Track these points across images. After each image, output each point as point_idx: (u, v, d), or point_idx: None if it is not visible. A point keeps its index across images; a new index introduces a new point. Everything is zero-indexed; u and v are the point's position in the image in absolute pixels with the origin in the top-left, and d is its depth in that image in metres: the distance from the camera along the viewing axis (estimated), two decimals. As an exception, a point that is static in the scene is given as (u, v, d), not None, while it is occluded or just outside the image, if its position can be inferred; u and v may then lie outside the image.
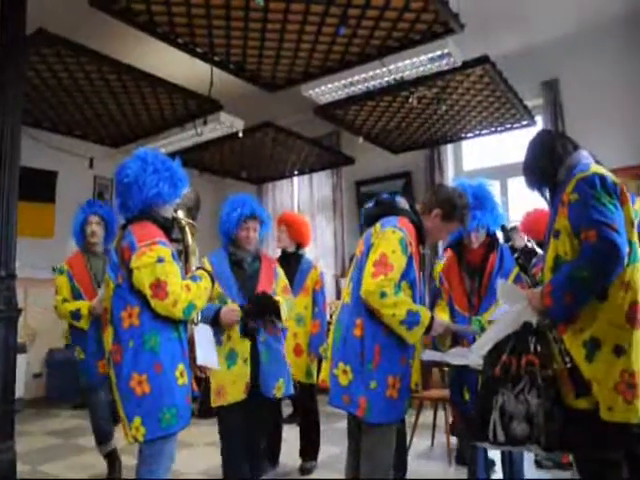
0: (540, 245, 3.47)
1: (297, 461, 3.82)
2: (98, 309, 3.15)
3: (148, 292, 2.11)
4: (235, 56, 4.22)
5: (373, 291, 2.24)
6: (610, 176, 1.97)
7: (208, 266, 2.80)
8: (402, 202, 2.52)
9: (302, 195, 8.10)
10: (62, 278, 3.49)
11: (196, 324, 2.42)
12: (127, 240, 2.19)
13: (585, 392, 1.87)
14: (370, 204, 2.64)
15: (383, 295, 2.23)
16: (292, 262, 3.79)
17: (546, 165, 2.12)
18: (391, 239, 2.30)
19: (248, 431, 2.91)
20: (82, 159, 6.82)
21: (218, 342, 2.73)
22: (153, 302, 2.11)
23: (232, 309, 2.82)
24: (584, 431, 1.91)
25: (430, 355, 2.55)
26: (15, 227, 3.13)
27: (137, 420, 2.11)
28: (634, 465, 2.09)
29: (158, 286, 2.10)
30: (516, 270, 2.72)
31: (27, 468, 3.82)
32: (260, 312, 2.85)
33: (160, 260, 2.13)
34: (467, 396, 2.64)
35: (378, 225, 2.43)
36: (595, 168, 2.01)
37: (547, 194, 2.19)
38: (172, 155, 6.52)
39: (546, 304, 1.92)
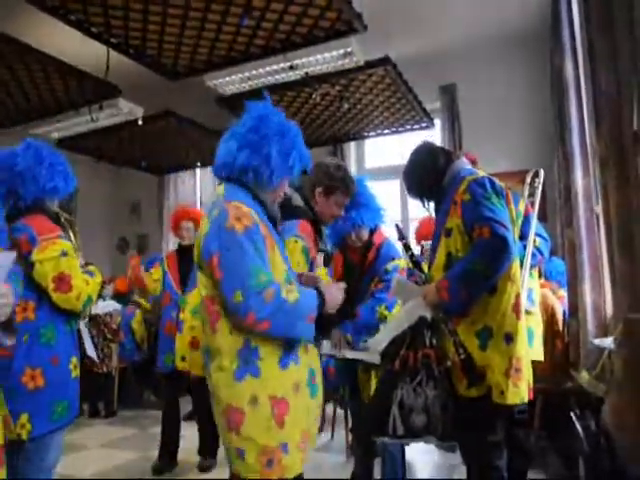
0: None
1: (196, 459, 3.76)
2: None
3: (50, 285, 2.12)
4: (134, 39, 4.04)
5: None
6: (496, 180, 2.13)
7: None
8: (297, 199, 2.44)
9: (205, 187, 7.94)
10: None
11: (85, 318, 2.40)
12: (23, 232, 2.14)
13: (477, 381, 2.00)
14: None
15: None
16: (189, 256, 3.75)
17: (430, 176, 2.25)
18: (294, 252, 2.20)
19: None
20: (-38, 141, 6.27)
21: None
22: (55, 295, 2.13)
23: (336, 285, 1.82)
24: (474, 417, 2.03)
25: (328, 349, 2.59)
26: None
27: (24, 417, 2.05)
28: (512, 445, 2.26)
29: (62, 279, 2.12)
30: (401, 263, 2.82)
31: None
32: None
33: (64, 254, 2.16)
34: (346, 394, 2.72)
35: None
36: (483, 172, 2.17)
37: (426, 202, 2.32)
38: (66, 140, 6.20)
39: (443, 298, 2.02)
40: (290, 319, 1.57)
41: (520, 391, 1.99)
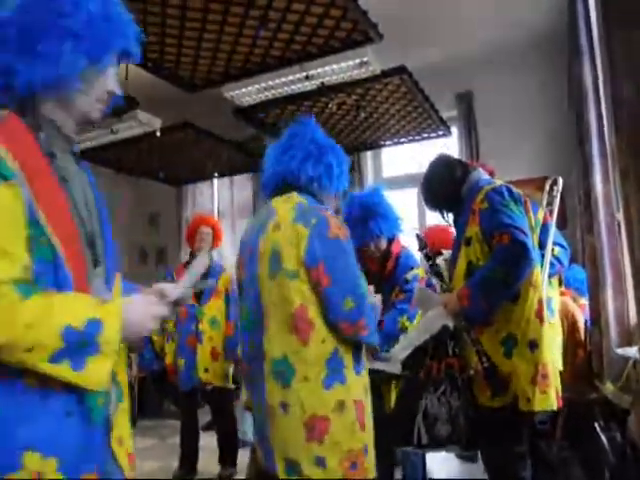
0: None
1: (216, 468, 3.75)
2: None
3: None
4: (152, 53, 4.10)
5: None
6: (513, 188, 2.12)
7: None
8: None
9: (222, 198, 8.00)
10: None
11: None
12: None
13: (501, 391, 1.97)
14: None
15: None
16: None
17: (447, 189, 2.28)
18: None
19: None
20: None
21: None
22: None
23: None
24: (498, 428, 2.01)
25: None
26: None
27: None
28: (536, 456, 2.23)
29: None
30: (420, 272, 2.80)
31: None
32: None
33: None
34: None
35: None
36: (500, 182, 2.16)
37: (445, 214, 2.32)
38: (86, 153, 6.30)
39: (464, 306, 2.01)
40: (374, 326, 1.67)
41: (548, 397, 1.97)
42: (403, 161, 7.00)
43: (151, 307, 1.14)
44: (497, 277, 1.92)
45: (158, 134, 5.44)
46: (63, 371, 0.97)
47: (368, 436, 1.66)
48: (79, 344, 0.98)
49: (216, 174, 7.49)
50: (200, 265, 1.27)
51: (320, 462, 1.58)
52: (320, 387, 1.59)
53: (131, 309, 1.09)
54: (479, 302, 1.96)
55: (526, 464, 2.04)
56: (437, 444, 2.02)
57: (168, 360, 3.77)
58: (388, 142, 6.41)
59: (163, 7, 3.49)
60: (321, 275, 1.58)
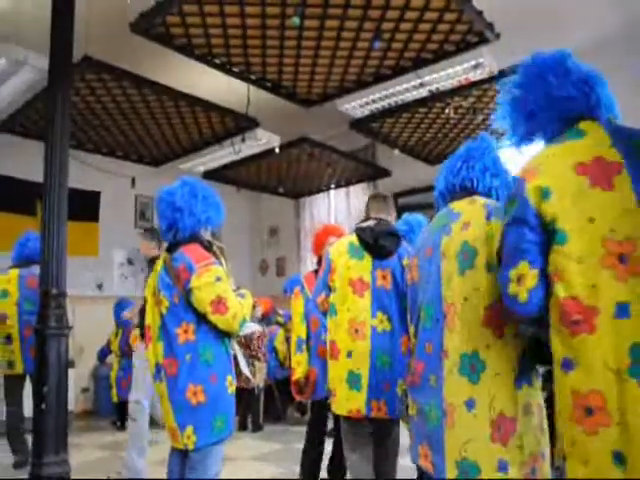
0: None
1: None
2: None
3: (208, 309, 2.26)
4: (271, 74, 4.30)
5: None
6: None
7: None
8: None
9: (339, 208, 8.12)
10: None
11: (238, 338, 2.53)
12: (182, 262, 2.31)
13: None
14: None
15: None
16: None
17: None
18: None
19: None
20: (124, 179, 7.02)
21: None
22: (214, 317, 2.27)
23: None
24: None
25: None
26: (65, 247, 3.24)
27: (189, 429, 2.24)
28: None
29: (219, 302, 2.27)
30: None
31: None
32: None
33: (218, 279, 2.30)
34: None
35: None
36: None
37: None
38: (211, 172, 6.72)
39: None
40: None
41: None
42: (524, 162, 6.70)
43: None
44: None
45: (277, 150, 5.68)
46: None
47: (547, 442, 1.61)
48: None
49: (332, 185, 7.65)
50: None
51: (502, 467, 1.52)
52: (512, 385, 1.55)
53: None
54: None
55: None
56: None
57: (301, 369, 3.71)
58: (507, 143, 6.17)
59: (281, 30, 3.64)
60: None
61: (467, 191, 1.86)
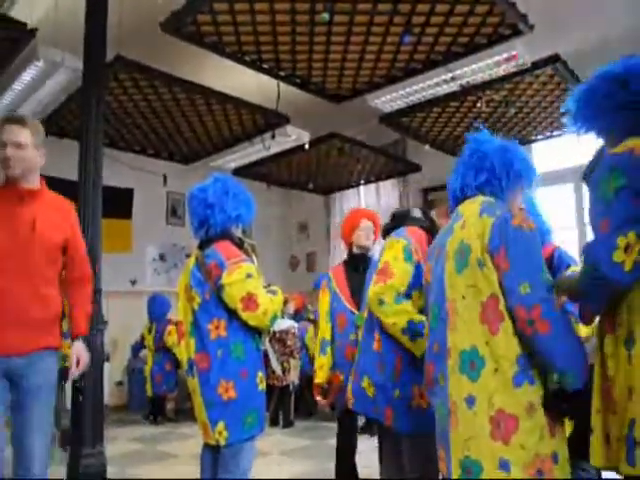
0: None
1: (375, 474, 3.78)
2: None
3: (239, 306, 2.27)
4: (301, 70, 4.30)
5: (371, 299, 2.25)
6: None
7: None
8: (415, 212, 2.55)
9: (369, 204, 8.09)
10: None
11: (270, 335, 2.54)
12: (214, 258, 2.32)
13: None
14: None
15: (381, 303, 2.21)
16: (363, 266, 3.16)
17: None
18: (394, 247, 2.31)
19: None
20: (156, 176, 7.12)
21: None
22: (245, 314, 2.28)
23: None
24: None
25: None
26: (100, 243, 3.31)
27: (221, 424, 2.25)
28: None
29: (249, 299, 2.27)
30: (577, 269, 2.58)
31: (116, 470, 3.99)
32: None
33: (249, 276, 2.31)
34: None
35: (388, 238, 2.47)
36: None
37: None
38: (241, 169, 6.76)
39: None
40: (571, 341, 1.54)
41: None
42: (558, 154, 6.55)
43: None
44: None
45: (307, 147, 5.68)
46: None
47: (559, 443, 1.57)
48: None
49: (362, 181, 7.63)
50: None
51: (504, 465, 1.51)
52: (510, 382, 1.54)
53: None
54: None
55: None
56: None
57: (322, 374, 3.51)
58: (539, 136, 6.06)
59: (311, 25, 3.64)
60: (501, 260, 1.58)
61: (465, 196, 1.86)
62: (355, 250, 3.26)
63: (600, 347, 1.50)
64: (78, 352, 2.31)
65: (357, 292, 3.05)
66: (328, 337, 3.18)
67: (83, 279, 2.38)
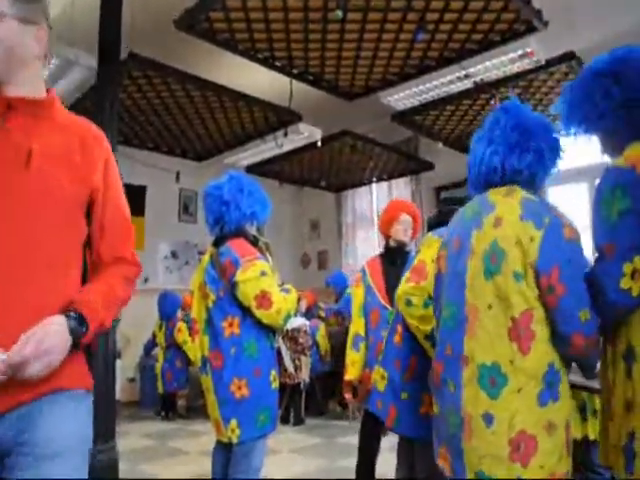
0: None
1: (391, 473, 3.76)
2: None
3: (253, 303, 2.27)
4: (313, 67, 4.29)
5: (400, 297, 2.17)
6: None
7: None
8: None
9: (381, 202, 8.07)
10: None
11: (283, 333, 2.54)
12: (228, 256, 2.33)
13: None
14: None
15: (409, 304, 2.12)
16: (401, 260, 3.05)
17: None
18: (433, 247, 2.09)
19: None
20: (169, 173, 7.14)
21: None
22: (258, 312, 2.28)
23: None
24: None
25: None
26: (112, 240, 3.31)
27: (233, 422, 2.26)
28: None
29: (263, 297, 2.27)
30: None
31: (127, 466, 4.02)
32: None
33: (263, 273, 2.31)
34: None
35: (429, 233, 2.35)
36: None
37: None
38: (253, 167, 6.76)
39: None
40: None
41: None
42: (573, 153, 6.48)
43: None
44: None
45: (319, 144, 5.67)
46: None
47: (570, 461, 1.49)
48: None
49: (374, 179, 7.60)
50: None
51: None
52: (534, 402, 1.43)
53: None
54: None
55: None
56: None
57: (355, 370, 3.14)
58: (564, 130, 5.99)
59: (324, 23, 3.63)
60: (554, 282, 1.42)
61: (500, 178, 1.63)
62: (392, 243, 3.13)
63: (604, 352, 1.47)
64: (38, 332, 1.06)
65: (393, 288, 2.78)
66: (362, 332, 3.04)
67: (120, 264, 1.43)
